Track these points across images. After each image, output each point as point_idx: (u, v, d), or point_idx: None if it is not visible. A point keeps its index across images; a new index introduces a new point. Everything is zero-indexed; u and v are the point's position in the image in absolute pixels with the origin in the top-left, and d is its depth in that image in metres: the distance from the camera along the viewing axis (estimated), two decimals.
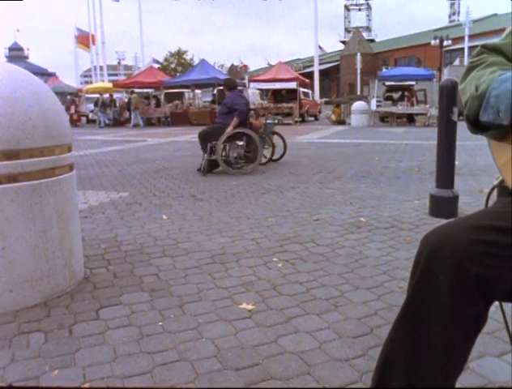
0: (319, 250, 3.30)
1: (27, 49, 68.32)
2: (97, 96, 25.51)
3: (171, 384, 1.77)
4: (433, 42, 33.22)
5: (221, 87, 24.43)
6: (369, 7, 64.39)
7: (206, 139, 7.06)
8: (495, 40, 1.28)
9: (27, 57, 64.60)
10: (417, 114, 19.57)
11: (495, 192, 1.33)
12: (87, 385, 1.77)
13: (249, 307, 2.40)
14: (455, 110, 3.98)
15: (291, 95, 23.17)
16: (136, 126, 22.62)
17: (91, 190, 5.78)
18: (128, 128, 21.91)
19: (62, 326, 2.23)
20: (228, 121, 7.00)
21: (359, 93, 39.88)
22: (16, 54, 62.43)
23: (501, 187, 1.28)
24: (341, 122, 21.72)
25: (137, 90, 26.41)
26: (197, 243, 3.52)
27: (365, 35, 59.40)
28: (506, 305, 1.34)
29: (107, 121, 23.41)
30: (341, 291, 2.60)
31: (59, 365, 1.90)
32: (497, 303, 1.23)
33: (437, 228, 1.18)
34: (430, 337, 1.11)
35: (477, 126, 1.17)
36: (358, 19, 64.88)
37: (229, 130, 6.92)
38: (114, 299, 2.53)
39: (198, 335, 2.13)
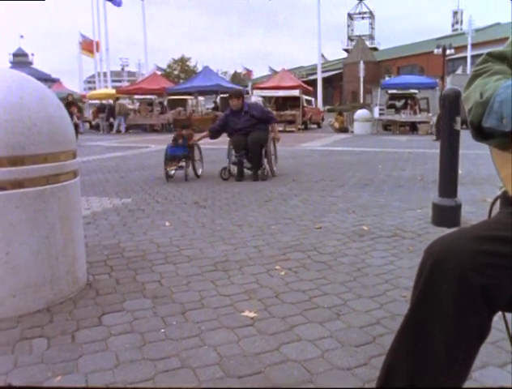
0: (322, 259, 3.30)
1: (32, 55, 68.60)
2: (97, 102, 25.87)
3: None
4: (435, 51, 33.29)
5: (224, 95, 24.62)
6: (372, 16, 64.68)
7: (261, 146, 7.11)
8: (501, 48, 1.28)
9: (31, 63, 64.92)
10: (420, 122, 19.60)
11: (498, 202, 1.33)
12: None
13: (252, 315, 2.40)
14: (458, 119, 3.99)
15: (294, 102, 23.21)
16: (119, 132, 23.12)
17: (94, 196, 5.79)
18: (123, 134, 22.26)
19: (65, 332, 2.23)
20: (262, 129, 7.15)
21: (362, 101, 39.93)
22: (21, 60, 62.73)
23: (504, 197, 1.28)
24: (344, 130, 21.74)
25: (140, 96, 26.53)
26: (199, 250, 3.52)
27: (368, 43, 59.56)
28: (509, 315, 1.34)
29: (81, 130, 23.67)
30: (344, 299, 2.60)
31: (62, 371, 1.90)
32: (500, 313, 1.24)
33: (440, 238, 1.18)
34: (434, 347, 1.11)
35: (481, 133, 1.18)
36: (361, 27, 65.26)
37: (279, 135, 7.64)
38: (117, 305, 2.54)
39: (201, 342, 2.13)
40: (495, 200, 1.34)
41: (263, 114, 7.24)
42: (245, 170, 7.24)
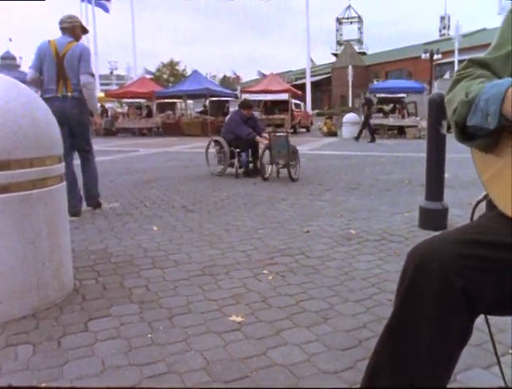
0: (309, 263, 3.31)
1: (20, 58, 67.99)
2: None
3: None
4: (423, 56, 33.55)
5: (214, 99, 24.61)
6: (360, 20, 65.15)
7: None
8: (482, 55, 1.31)
9: (19, 66, 64.38)
10: (408, 126, 19.74)
11: (483, 204, 1.34)
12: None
13: (239, 319, 2.40)
14: (444, 123, 4.03)
15: (283, 106, 23.26)
16: None
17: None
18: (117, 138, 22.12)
19: (51, 338, 2.22)
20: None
21: (350, 105, 40.11)
22: (8, 63, 62.11)
23: (489, 200, 1.29)
24: (332, 134, 21.83)
25: (129, 100, 26.46)
26: (187, 255, 3.51)
27: (357, 48, 59.97)
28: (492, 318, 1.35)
29: None
30: (330, 303, 2.61)
31: (47, 378, 1.89)
32: (483, 315, 1.25)
33: (423, 241, 1.19)
34: (416, 350, 1.12)
35: (464, 134, 1.20)
36: (350, 32, 65.68)
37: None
38: (103, 311, 2.52)
39: (187, 347, 2.13)
40: (477, 204, 1.36)
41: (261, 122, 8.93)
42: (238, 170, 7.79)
